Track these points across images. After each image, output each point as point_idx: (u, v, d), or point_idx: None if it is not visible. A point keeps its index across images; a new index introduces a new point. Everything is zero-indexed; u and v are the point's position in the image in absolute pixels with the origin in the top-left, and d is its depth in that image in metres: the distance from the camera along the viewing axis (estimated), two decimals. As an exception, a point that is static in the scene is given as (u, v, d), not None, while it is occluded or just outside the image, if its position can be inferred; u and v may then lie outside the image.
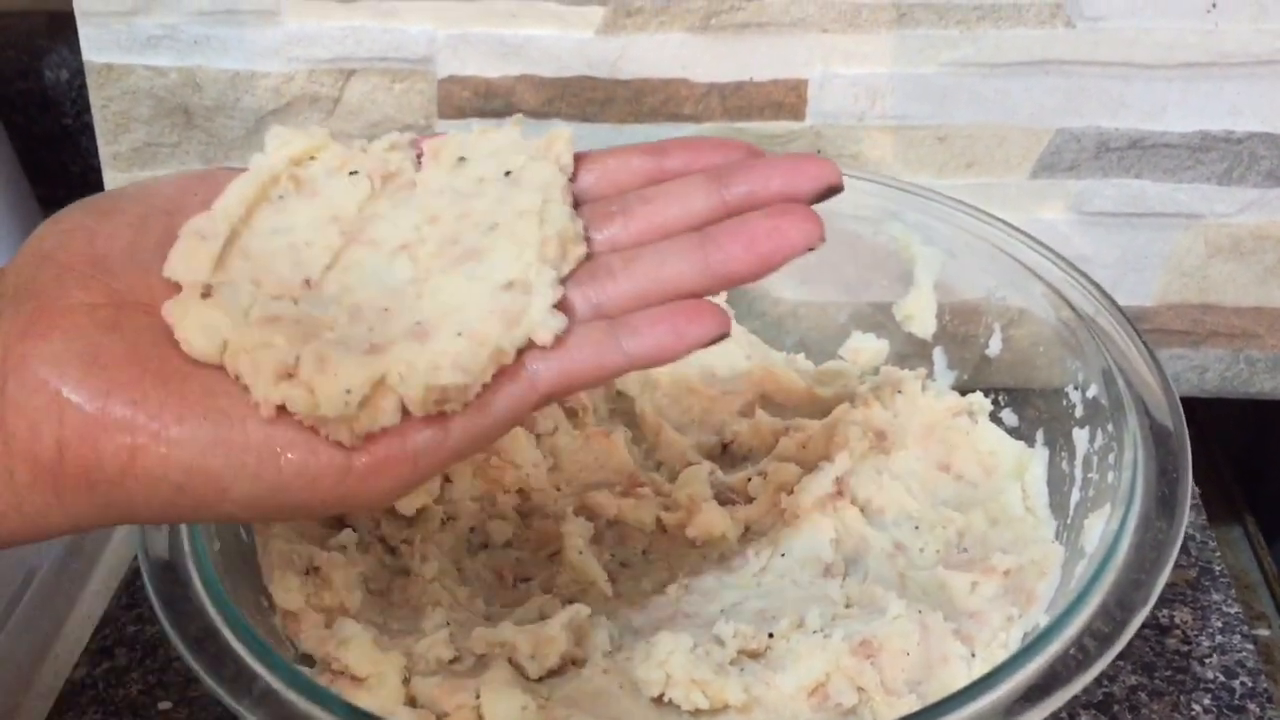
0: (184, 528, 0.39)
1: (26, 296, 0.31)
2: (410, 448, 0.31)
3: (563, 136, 0.37)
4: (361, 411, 0.31)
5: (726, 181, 0.36)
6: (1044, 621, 0.39)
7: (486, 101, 0.56)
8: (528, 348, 0.33)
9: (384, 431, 0.31)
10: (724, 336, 0.34)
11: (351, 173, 0.36)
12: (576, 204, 0.36)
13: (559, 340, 0.33)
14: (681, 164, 0.37)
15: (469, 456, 0.35)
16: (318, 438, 0.31)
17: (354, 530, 0.45)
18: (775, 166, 0.36)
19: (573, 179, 0.37)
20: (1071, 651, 0.34)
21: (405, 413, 0.31)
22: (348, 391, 0.30)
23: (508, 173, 0.36)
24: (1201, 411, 0.64)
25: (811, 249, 0.34)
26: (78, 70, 0.70)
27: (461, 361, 0.32)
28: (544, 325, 0.33)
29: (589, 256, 0.35)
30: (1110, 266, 0.57)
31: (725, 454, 0.52)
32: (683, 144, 0.38)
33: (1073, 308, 0.46)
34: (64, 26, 0.69)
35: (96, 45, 0.56)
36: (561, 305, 0.34)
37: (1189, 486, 0.38)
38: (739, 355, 0.54)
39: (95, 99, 0.57)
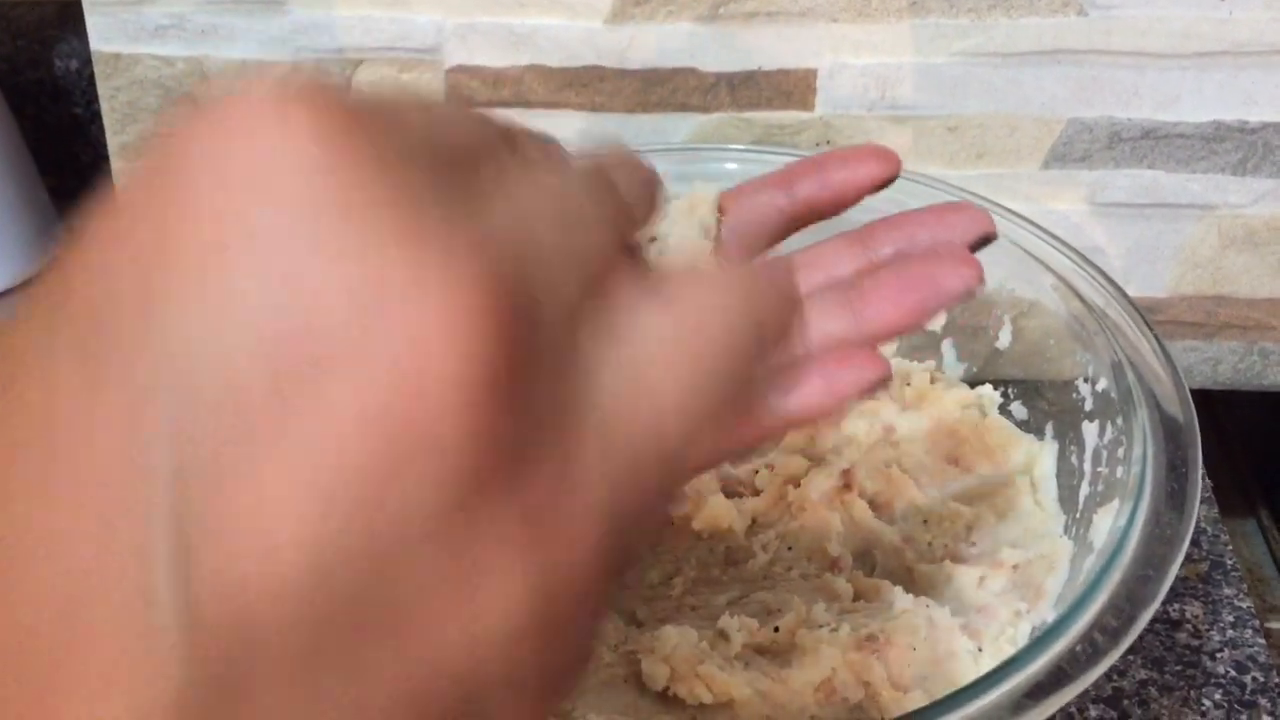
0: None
1: None
2: None
3: (706, 200, 0.35)
4: None
5: (871, 243, 0.33)
6: (1052, 617, 0.39)
7: (495, 91, 0.56)
8: None
9: None
10: (885, 383, 0.29)
11: None
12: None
13: None
14: (812, 191, 0.34)
15: None
16: None
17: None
18: (921, 222, 0.33)
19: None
20: (1079, 647, 0.34)
21: None
22: None
23: (653, 239, 0.35)
24: (1218, 403, 0.64)
25: (972, 295, 0.30)
26: (88, 60, 0.69)
27: None
28: None
29: None
30: (1123, 257, 0.57)
31: (733, 446, 0.52)
32: (812, 167, 0.34)
33: (1083, 300, 0.46)
34: (73, 16, 0.69)
35: (104, 34, 0.55)
36: None
37: (1199, 480, 0.38)
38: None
39: (103, 89, 0.57)
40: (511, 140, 0.22)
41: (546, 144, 0.23)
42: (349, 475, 0.16)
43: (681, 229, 0.35)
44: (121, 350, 0.16)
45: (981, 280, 0.30)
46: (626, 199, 0.24)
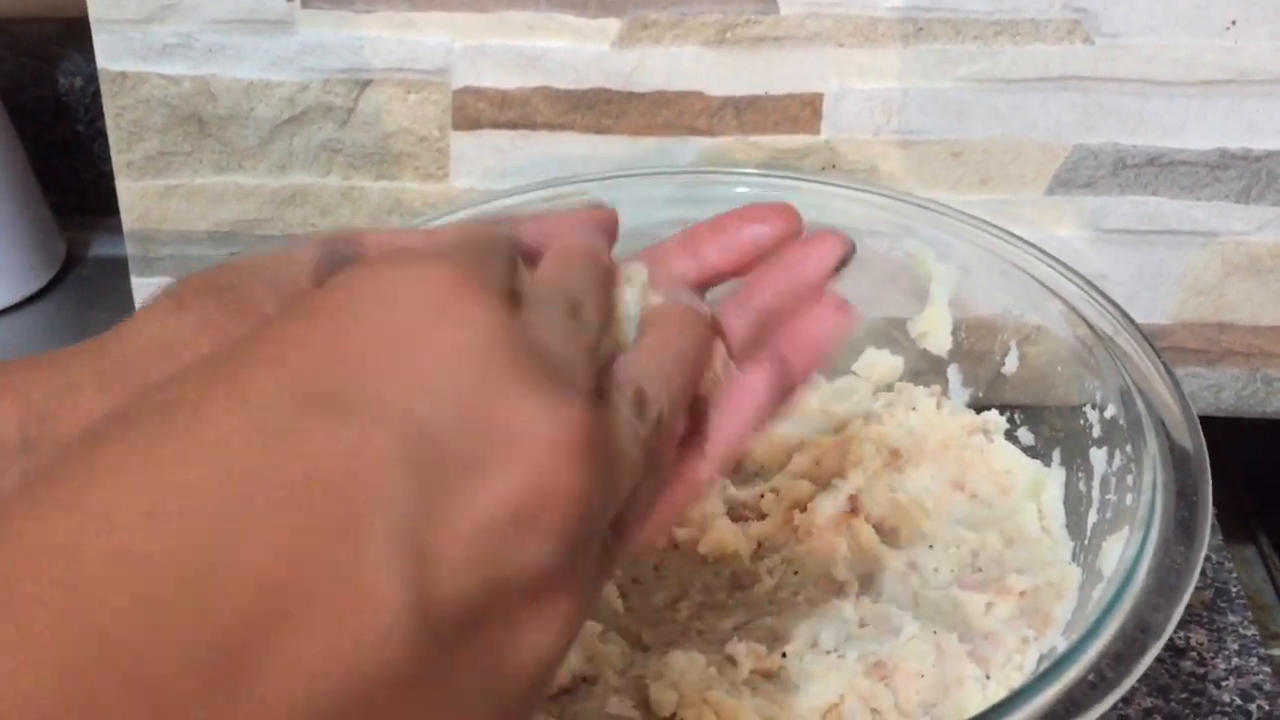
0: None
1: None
2: None
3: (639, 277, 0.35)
4: None
5: (750, 300, 0.35)
6: (1060, 644, 0.39)
7: (502, 113, 0.56)
8: None
9: None
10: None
11: None
12: None
13: None
14: (718, 253, 0.36)
15: None
16: None
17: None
18: (787, 263, 0.36)
19: None
20: (1090, 677, 0.34)
21: None
22: None
23: None
24: (1219, 429, 0.64)
25: (850, 333, 0.35)
26: (91, 77, 0.69)
27: None
28: None
29: None
30: (1126, 284, 0.57)
31: (738, 470, 0.52)
32: (713, 229, 0.37)
33: (1090, 326, 0.46)
34: (77, 33, 0.69)
35: (111, 53, 0.55)
36: None
37: (1209, 510, 0.38)
38: (752, 370, 0.54)
39: (109, 107, 0.56)
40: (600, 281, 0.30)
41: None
42: (511, 519, 0.22)
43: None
44: (363, 410, 0.22)
45: (853, 317, 0.35)
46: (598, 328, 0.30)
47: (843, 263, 0.36)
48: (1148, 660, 0.34)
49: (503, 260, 0.27)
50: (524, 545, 0.22)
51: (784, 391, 0.34)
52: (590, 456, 0.23)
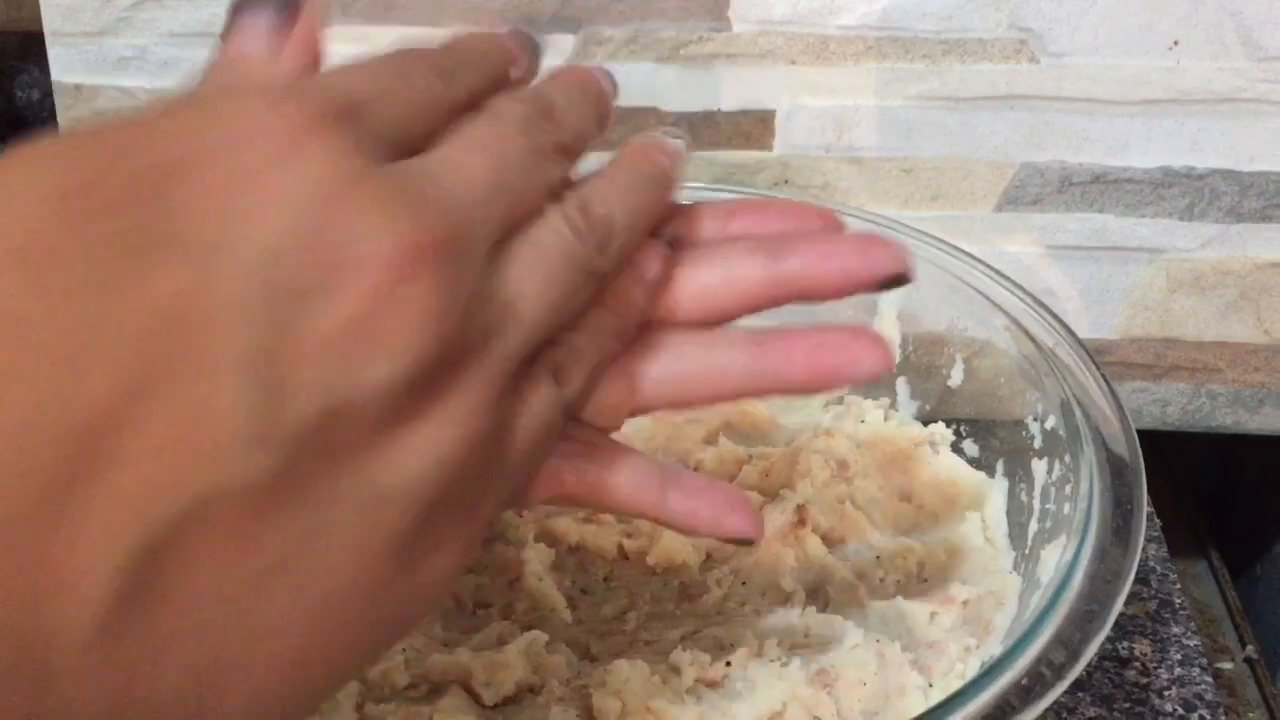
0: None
1: None
2: None
3: None
4: None
5: (781, 253, 0.32)
6: (999, 652, 0.39)
7: (456, 127, 0.56)
8: None
9: None
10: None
11: None
12: None
13: None
14: (746, 228, 0.34)
15: None
16: None
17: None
18: (838, 247, 0.32)
19: None
20: (1025, 681, 0.34)
21: None
22: None
23: None
24: (1167, 445, 0.65)
25: (876, 379, 0.32)
26: (49, 91, 0.69)
27: None
28: None
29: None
30: (1074, 300, 0.58)
31: (688, 482, 0.52)
32: (751, 207, 0.35)
33: (1033, 340, 0.46)
34: (35, 47, 0.69)
35: (66, 66, 0.56)
36: None
37: (1144, 518, 0.38)
38: (704, 383, 0.54)
39: (63, 120, 0.57)
40: (461, 98, 0.29)
41: (500, 92, 0.30)
42: (352, 340, 0.22)
43: None
44: (202, 248, 0.22)
45: (890, 368, 0.32)
46: (570, 130, 0.30)
47: (896, 281, 0.31)
48: (1081, 664, 0.35)
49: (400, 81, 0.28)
50: (368, 363, 0.23)
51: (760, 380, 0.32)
52: (438, 266, 0.23)
